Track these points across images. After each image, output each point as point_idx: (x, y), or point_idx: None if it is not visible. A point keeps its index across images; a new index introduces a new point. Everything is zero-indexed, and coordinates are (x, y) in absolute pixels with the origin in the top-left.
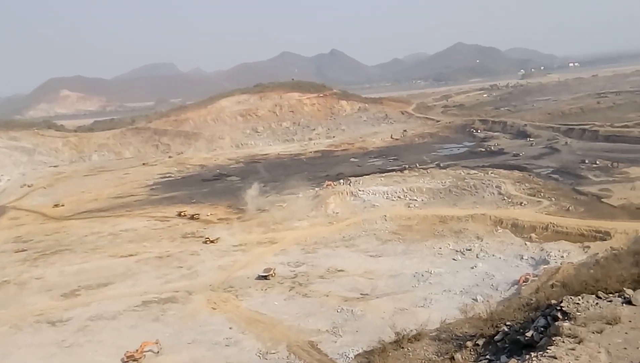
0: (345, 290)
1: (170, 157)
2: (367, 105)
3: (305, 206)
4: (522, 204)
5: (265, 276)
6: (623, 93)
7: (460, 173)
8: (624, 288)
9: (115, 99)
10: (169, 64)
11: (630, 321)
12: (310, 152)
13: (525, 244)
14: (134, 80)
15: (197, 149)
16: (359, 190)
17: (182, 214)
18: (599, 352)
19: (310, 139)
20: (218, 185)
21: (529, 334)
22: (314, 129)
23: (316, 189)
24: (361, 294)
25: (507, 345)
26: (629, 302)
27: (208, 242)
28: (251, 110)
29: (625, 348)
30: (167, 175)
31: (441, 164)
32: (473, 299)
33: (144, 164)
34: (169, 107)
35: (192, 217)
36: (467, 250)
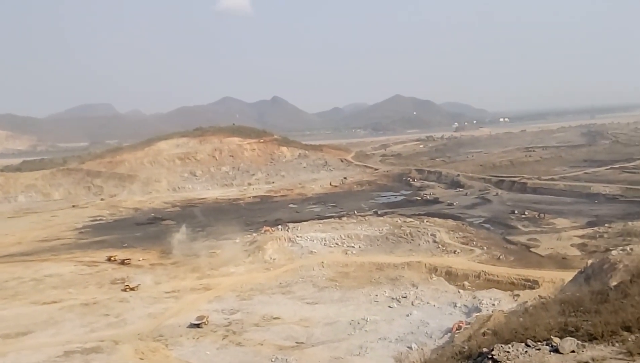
0: (280, 338)
1: (102, 199)
2: (307, 152)
3: (242, 251)
4: (456, 253)
5: (198, 324)
6: (549, 148)
7: (397, 221)
8: (552, 337)
9: (47, 139)
10: (106, 104)
11: None
12: (249, 197)
13: (459, 292)
14: (68, 119)
15: (131, 192)
16: (297, 236)
17: (112, 259)
18: None
19: (250, 184)
20: (152, 229)
21: None
22: (254, 175)
23: (254, 234)
24: (296, 342)
25: None
26: (556, 350)
27: (128, 290)
28: (190, 153)
29: None
30: (98, 218)
31: (379, 212)
32: (408, 347)
33: (74, 206)
34: (104, 148)
35: (122, 262)
36: (402, 297)
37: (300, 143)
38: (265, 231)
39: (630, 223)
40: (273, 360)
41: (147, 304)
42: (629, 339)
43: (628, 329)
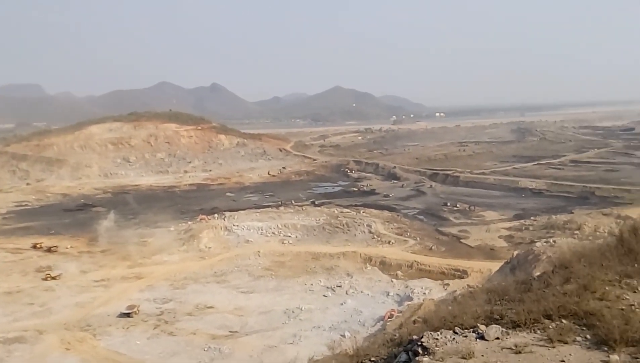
0: (213, 327)
1: (28, 184)
2: (245, 140)
3: (176, 239)
4: (390, 243)
5: (128, 313)
6: (481, 143)
7: (334, 211)
8: (478, 324)
9: None
10: (34, 85)
11: (482, 355)
12: (185, 185)
13: (392, 281)
14: None
15: (60, 177)
16: (234, 225)
17: (38, 246)
18: None
19: (186, 171)
20: (81, 216)
21: None
22: (190, 162)
23: (189, 222)
24: (230, 331)
25: None
26: (482, 337)
27: (49, 279)
28: (124, 139)
29: None
30: (24, 203)
31: (316, 202)
32: (341, 335)
33: None
34: (31, 131)
35: (49, 250)
36: (337, 286)
37: (238, 132)
38: (200, 219)
39: (554, 216)
40: (206, 349)
41: (74, 293)
42: (550, 327)
43: (549, 317)
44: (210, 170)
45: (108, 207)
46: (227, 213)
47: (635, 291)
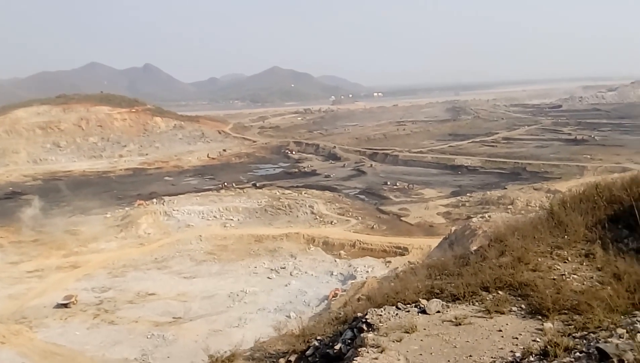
0: (156, 314)
1: None
2: (183, 123)
3: (113, 226)
4: (333, 223)
5: (66, 304)
6: (418, 122)
7: (275, 193)
8: (420, 299)
9: None
10: None
11: (424, 329)
12: (121, 169)
13: (335, 261)
14: None
15: None
16: (173, 210)
17: None
18: (399, 360)
19: (121, 156)
20: (10, 204)
21: (337, 347)
22: (125, 146)
23: (126, 208)
24: (173, 318)
25: (317, 359)
26: (423, 311)
27: None
28: (53, 123)
29: (420, 354)
30: None
31: (257, 184)
32: (286, 316)
33: None
34: None
35: None
36: (281, 268)
37: (175, 114)
38: (138, 205)
39: (488, 192)
40: (149, 336)
41: (6, 285)
42: (487, 298)
43: (486, 289)
44: (146, 154)
45: (39, 194)
46: (166, 198)
47: (565, 262)
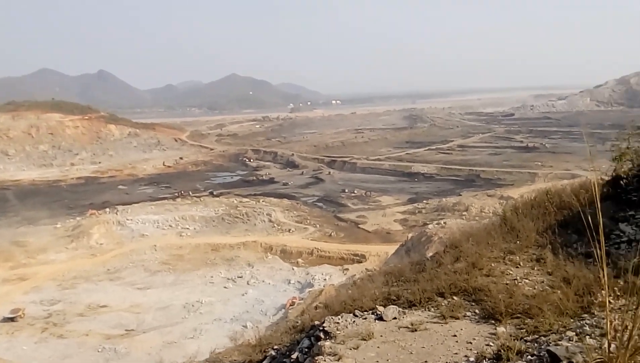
0: (108, 327)
1: None
2: (138, 130)
3: (64, 237)
4: (291, 231)
5: (12, 318)
6: (376, 130)
7: (233, 201)
8: (377, 306)
9: None
10: None
11: (381, 335)
12: (72, 178)
13: (293, 269)
14: None
15: None
16: (127, 219)
17: None
18: None
19: (73, 164)
20: None
21: (294, 356)
22: (77, 154)
23: (78, 218)
24: (126, 330)
25: None
26: (380, 318)
27: None
28: (1, 131)
29: (377, 361)
30: None
31: (214, 192)
32: (243, 326)
33: None
34: None
35: None
36: (238, 277)
37: (130, 121)
38: (90, 214)
39: (444, 199)
40: (100, 350)
41: None
42: (443, 304)
43: (442, 295)
44: (99, 162)
45: None
46: (120, 207)
47: (517, 267)
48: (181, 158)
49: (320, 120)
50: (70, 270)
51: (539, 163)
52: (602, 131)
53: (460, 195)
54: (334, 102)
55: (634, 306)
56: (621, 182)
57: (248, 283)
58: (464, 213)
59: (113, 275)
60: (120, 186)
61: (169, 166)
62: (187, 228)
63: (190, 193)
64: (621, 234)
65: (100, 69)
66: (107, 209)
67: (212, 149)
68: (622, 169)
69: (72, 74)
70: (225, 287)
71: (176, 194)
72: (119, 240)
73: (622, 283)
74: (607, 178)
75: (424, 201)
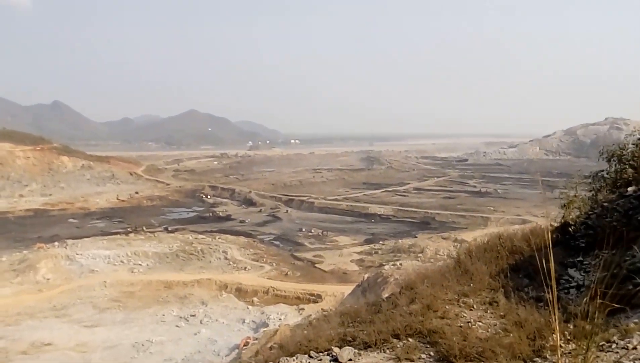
0: None
1: None
2: (92, 163)
3: (8, 271)
4: (246, 269)
5: None
6: (334, 170)
7: (188, 238)
8: (332, 347)
9: None
10: None
11: None
12: (21, 210)
13: (248, 308)
14: None
15: None
16: (77, 254)
17: None
18: None
19: (22, 196)
20: None
21: None
22: (27, 185)
23: (24, 252)
24: None
25: None
26: (335, 360)
27: None
28: None
29: None
30: None
31: (169, 228)
32: None
33: None
34: None
35: None
36: (191, 315)
37: (84, 153)
38: (38, 248)
39: (400, 240)
40: None
41: None
42: (398, 345)
43: (397, 336)
44: (50, 194)
45: None
46: (70, 241)
47: (471, 309)
48: (136, 193)
49: (278, 159)
50: (15, 306)
51: (492, 208)
52: (550, 179)
53: (416, 237)
54: (292, 141)
55: (584, 350)
56: (569, 229)
57: (201, 322)
58: (420, 254)
59: (59, 312)
60: (71, 220)
61: (123, 200)
62: (140, 264)
63: (144, 228)
64: (570, 279)
65: (54, 99)
66: (56, 243)
67: (168, 185)
68: (570, 216)
69: (25, 104)
70: (177, 326)
71: (129, 229)
72: (67, 275)
73: (572, 327)
74: (556, 225)
75: (381, 242)
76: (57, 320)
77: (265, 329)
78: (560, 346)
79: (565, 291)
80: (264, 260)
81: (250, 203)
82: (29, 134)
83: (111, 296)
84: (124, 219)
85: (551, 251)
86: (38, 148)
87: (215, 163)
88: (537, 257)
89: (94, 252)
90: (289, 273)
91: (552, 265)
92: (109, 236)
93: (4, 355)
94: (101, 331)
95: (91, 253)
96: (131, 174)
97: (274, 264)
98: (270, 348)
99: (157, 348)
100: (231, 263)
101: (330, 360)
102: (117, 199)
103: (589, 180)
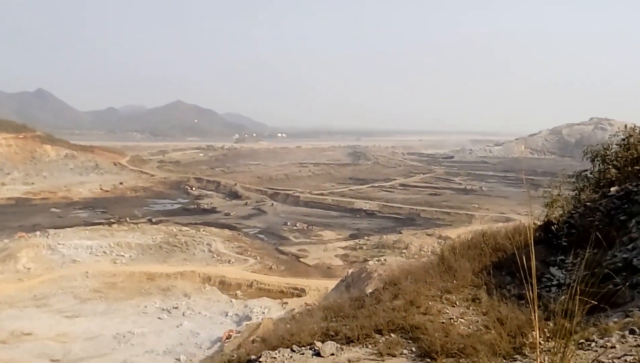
0: (31, 355)
1: None
2: (75, 152)
3: None
4: (230, 262)
5: None
6: (320, 165)
7: (172, 229)
8: (315, 341)
9: None
10: None
11: None
12: (2, 199)
13: (231, 301)
14: None
15: None
16: (59, 243)
17: None
18: None
19: (3, 184)
20: None
21: None
22: (9, 174)
23: (5, 241)
24: (51, 360)
25: None
26: (318, 354)
27: None
28: None
29: None
30: None
31: (153, 220)
32: (176, 359)
33: None
34: None
35: None
36: (173, 308)
37: (67, 142)
38: (19, 237)
39: (384, 236)
40: None
41: None
42: (380, 341)
43: (380, 332)
44: (32, 183)
45: None
46: (51, 231)
47: (454, 306)
48: (120, 183)
49: (265, 152)
50: None
51: (476, 205)
52: (534, 178)
53: (401, 233)
54: (279, 135)
55: (563, 348)
56: (552, 227)
57: (184, 315)
58: (404, 250)
59: (40, 302)
60: (53, 209)
61: (107, 191)
62: (122, 255)
63: (128, 219)
64: (552, 277)
65: (38, 87)
66: (38, 233)
67: (152, 176)
68: (554, 215)
69: (8, 91)
70: (159, 318)
71: (112, 220)
72: (48, 265)
73: (552, 325)
74: (539, 223)
75: (365, 238)
76: (37, 310)
77: (248, 322)
78: (540, 343)
79: (547, 289)
80: (249, 253)
81: (235, 196)
82: (12, 122)
83: (93, 286)
84: (107, 210)
85: (533, 249)
86: (21, 136)
87: (201, 155)
88: (519, 255)
89: (76, 242)
90: (273, 266)
91: (533, 263)
92: (92, 227)
93: None
94: (82, 321)
95: (73, 243)
96: (115, 164)
97: (258, 257)
98: (253, 341)
99: (138, 340)
100: (215, 255)
101: (313, 355)
102: (101, 189)
103: (573, 179)
